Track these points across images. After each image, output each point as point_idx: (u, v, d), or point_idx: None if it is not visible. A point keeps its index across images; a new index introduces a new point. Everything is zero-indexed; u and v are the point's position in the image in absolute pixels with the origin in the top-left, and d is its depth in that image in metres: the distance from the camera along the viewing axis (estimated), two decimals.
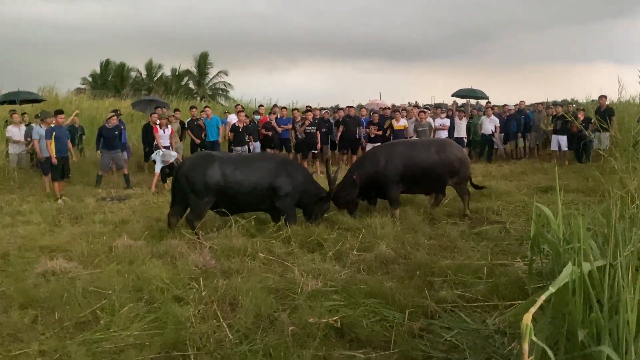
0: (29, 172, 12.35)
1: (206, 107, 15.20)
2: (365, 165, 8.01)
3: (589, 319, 2.22)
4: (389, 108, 16.01)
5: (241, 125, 12.95)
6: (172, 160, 11.16)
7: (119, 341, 3.88)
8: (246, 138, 12.80)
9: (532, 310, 1.80)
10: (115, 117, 12.38)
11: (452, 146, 8.37)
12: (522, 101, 16.60)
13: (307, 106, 16.56)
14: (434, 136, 13.86)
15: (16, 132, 12.43)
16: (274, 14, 71.14)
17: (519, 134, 15.61)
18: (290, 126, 14.23)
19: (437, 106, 20.48)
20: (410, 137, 13.81)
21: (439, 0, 76.99)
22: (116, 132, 12.10)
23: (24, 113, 13.83)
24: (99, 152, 12.21)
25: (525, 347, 1.68)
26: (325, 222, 7.21)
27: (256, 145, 13.37)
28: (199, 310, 4.35)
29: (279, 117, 14.60)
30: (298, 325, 4.03)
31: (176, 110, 14.82)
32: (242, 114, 13.37)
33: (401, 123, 13.91)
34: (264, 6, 72.36)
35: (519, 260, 5.50)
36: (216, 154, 7.39)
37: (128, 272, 5.18)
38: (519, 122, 15.54)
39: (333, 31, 68.68)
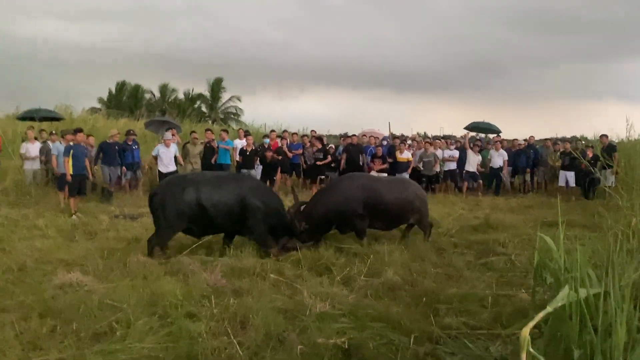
0: (45, 187, 12.63)
1: (223, 130, 15.54)
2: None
3: (583, 340, 2.37)
4: (386, 138, 16.35)
5: (249, 149, 13.27)
6: None
7: (134, 353, 4.01)
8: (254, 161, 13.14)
9: (531, 324, 1.96)
10: (118, 134, 12.98)
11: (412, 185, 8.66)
12: (531, 136, 16.79)
13: (311, 131, 16.92)
14: (439, 167, 14.02)
15: (31, 148, 12.75)
16: (286, 42, 72.72)
17: (527, 169, 15.75)
18: (301, 151, 14.56)
19: (446, 138, 20.73)
20: (417, 166, 14.02)
21: (450, 32, 78.16)
22: (116, 148, 12.64)
23: (42, 130, 14.19)
24: (96, 166, 12.58)
25: (524, 357, 1.84)
26: (334, 247, 7.35)
27: (253, 173, 13.54)
28: (210, 327, 4.49)
29: (289, 142, 14.93)
30: (307, 345, 4.16)
31: (193, 132, 15.15)
32: (250, 138, 13.78)
33: (404, 155, 14.05)
34: (276, 34, 73.97)
35: (523, 291, 5.60)
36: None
37: (142, 287, 5.34)
38: (529, 156, 15.67)
39: (343, 60, 69.98)
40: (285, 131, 16.60)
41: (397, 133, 20.78)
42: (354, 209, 7.67)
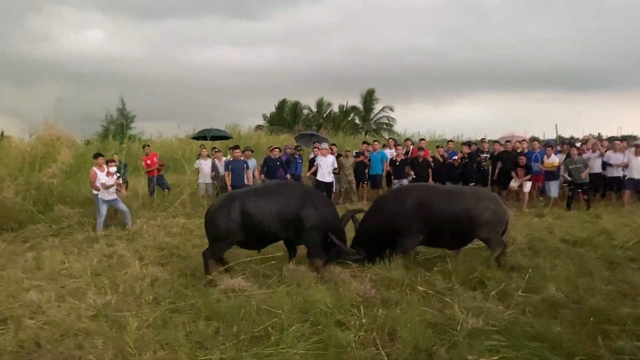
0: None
1: (375, 141, 15.74)
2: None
3: None
4: (525, 140, 14.98)
5: (399, 159, 13.20)
6: None
7: (287, 357, 4.22)
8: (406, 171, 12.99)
9: None
10: (277, 150, 13.72)
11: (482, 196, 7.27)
12: None
13: (482, 139, 16.28)
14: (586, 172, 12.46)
15: (204, 165, 14.14)
16: (440, 48, 70.96)
17: None
18: (456, 159, 14.06)
19: (625, 138, 18.55)
20: (562, 176, 12.71)
21: (622, 25, 69.79)
22: (277, 163, 13.35)
23: (214, 148, 15.67)
24: (262, 177, 13.45)
25: None
26: (488, 259, 6.98)
27: (404, 182, 13.34)
28: (359, 337, 4.54)
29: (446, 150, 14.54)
30: None
31: (333, 145, 15.53)
32: (400, 147, 13.73)
33: (551, 160, 12.83)
34: (430, 41, 72.69)
35: None
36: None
37: (296, 294, 5.60)
38: None
39: (500, 62, 65.97)
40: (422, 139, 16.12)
41: (566, 135, 19.16)
42: (406, 226, 7.01)
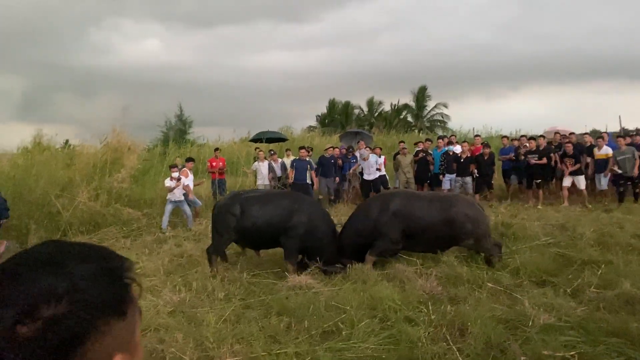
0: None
1: (439, 138, 15.64)
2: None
3: None
4: (572, 133, 14.35)
5: (464, 156, 13.03)
6: None
7: (358, 352, 4.31)
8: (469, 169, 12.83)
9: None
10: (331, 149, 14.30)
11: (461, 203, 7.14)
12: None
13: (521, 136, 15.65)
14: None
15: (262, 167, 14.45)
16: (494, 42, 69.18)
17: None
18: (512, 156, 13.68)
19: None
20: (611, 168, 12.08)
21: None
22: (332, 161, 13.65)
23: (270, 150, 15.99)
24: (317, 177, 13.66)
25: None
26: (557, 254, 6.83)
27: (452, 177, 13.16)
28: (428, 332, 4.57)
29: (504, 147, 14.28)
30: (530, 356, 3.98)
31: (401, 142, 15.54)
32: (466, 144, 13.55)
33: (603, 151, 12.26)
34: (484, 35, 70.96)
35: None
36: None
37: (362, 290, 5.69)
38: None
39: (559, 54, 63.58)
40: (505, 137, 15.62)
41: (631, 127, 18.34)
42: (385, 233, 6.92)
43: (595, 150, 12.50)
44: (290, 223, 6.94)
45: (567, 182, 12.35)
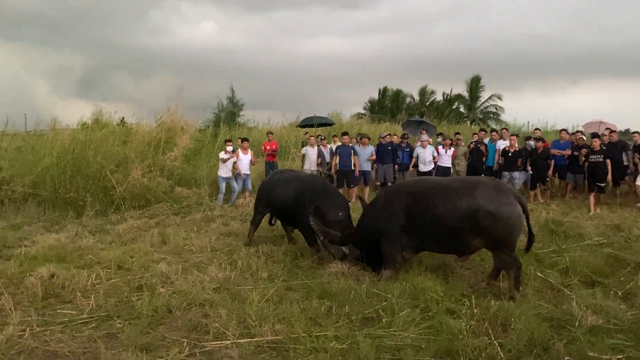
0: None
1: (494, 131, 15.25)
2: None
3: None
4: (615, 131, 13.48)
5: (512, 150, 12.68)
6: None
7: (398, 340, 4.32)
8: (518, 163, 12.46)
9: None
10: (389, 136, 14.27)
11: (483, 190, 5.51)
12: None
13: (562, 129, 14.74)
14: None
15: (311, 152, 14.50)
16: (557, 33, 66.32)
17: None
18: (568, 152, 13.07)
19: None
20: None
21: None
22: (389, 148, 13.70)
23: (319, 135, 16.02)
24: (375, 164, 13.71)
25: None
26: (610, 255, 6.58)
27: (515, 175, 12.72)
28: (470, 325, 4.53)
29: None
30: (575, 357, 3.89)
31: (457, 133, 15.23)
32: (514, 138, 13.17)
33: None
34: (548, 26, 68.19)
35: None
36: None
37: (404, 280, 5.68)
38: None
39: (627, 47, 60.34)
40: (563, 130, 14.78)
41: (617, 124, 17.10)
42: (387, 227, 6.00)
43: None
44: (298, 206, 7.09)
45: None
